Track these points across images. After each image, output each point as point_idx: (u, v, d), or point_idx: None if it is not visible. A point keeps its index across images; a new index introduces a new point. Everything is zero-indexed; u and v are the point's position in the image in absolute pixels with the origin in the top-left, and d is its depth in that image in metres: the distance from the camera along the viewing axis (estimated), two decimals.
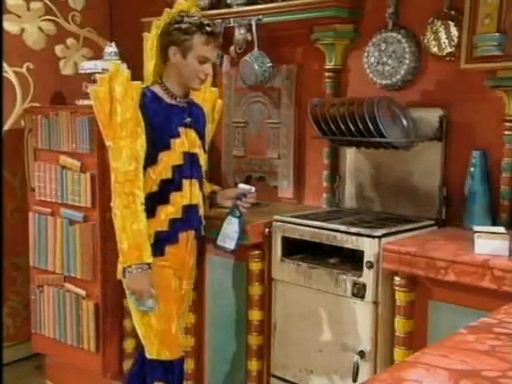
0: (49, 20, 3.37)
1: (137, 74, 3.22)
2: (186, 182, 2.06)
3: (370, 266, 2.02)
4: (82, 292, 2.89)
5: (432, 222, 2.30)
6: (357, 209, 2.56)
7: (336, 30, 2.59)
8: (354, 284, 2.06)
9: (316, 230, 2.20)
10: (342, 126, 2.29)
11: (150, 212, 2.03)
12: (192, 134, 2.11)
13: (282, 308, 2.31)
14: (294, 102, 2.83)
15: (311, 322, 2.20)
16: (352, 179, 2.60)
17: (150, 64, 2.13)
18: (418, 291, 1.98)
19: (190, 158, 2.09)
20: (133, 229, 1.96)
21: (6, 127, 3.23)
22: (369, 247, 2.03)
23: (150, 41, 2.10)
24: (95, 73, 3.01)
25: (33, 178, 3.08)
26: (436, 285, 1.92)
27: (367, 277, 2.03)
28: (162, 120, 2.04)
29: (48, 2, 3.36)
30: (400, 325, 1.98)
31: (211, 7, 2.95)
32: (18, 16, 3.26)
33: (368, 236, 2.05)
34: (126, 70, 2.06)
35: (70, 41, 3.46)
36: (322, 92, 2.67)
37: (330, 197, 2.68)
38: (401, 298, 1.98)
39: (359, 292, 2.05)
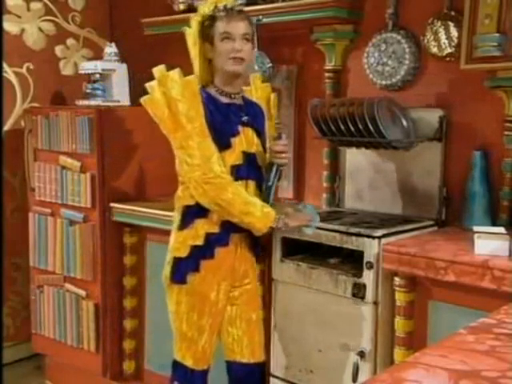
0: (49, 20, 3.37)
1: (138, 74, 3.23)
2: (240, 184, 1.98)
3: (370, 266, 2.02)
4: (82, 292, 2.89)
5: (432, 223, 2.30)
6: (356, 209, 2.56)
7: (336, 30, 2.59)
8: (354, 284, 2.06)
9: (316, 230, 2.20)
10: (342, 127, 2.29)
11: (203, 212, 1.97)
12: (249, 132, 2.04)
13: (282, 308, 2.31)
14: (293, 103, 2.83)
15: (311, 323, 2.20)
16: (352, 179, 2.60)
17: (196, 63, 2.04)
18: (417, 291, 1.98)
19: (248, 158, 2.01)
20: (248, 201, 1.93)
21: (6, 127, 3.23)
22: (369, 247, 2.03)
23: (192, 36, 2.03)
24: (95, 73, 3.02)
25: (33, 178, 3.08)
26: (436, 285, 1.92)
27: (367, 277, 2.03)
28: (221, 119, 1.97)
29: (48, 3, 3.36)
30: (400, 325, 1.98)
31: None
32: (18, 16, 3.26)
33: (368, 236, 2.05)
34: (176, 69, 1.97)
35: (69, 41, 3.47)
36: (322, 92, 2.67)
37: (330, 197, 2.68)
38: (401, 298, 1.98)
39: (359, 292, 2.05)
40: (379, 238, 2.03)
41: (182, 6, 3.04)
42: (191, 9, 3.01)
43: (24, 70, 3.28)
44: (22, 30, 3.28)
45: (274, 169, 2.04)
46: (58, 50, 3.42)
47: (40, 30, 3.34)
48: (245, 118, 2.03)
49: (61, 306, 2.98)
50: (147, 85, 1.97)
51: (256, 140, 2.05)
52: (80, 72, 3.10)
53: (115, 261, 2.85)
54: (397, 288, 1.98)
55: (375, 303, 2.03)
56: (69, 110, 2.96)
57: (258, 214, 1.93)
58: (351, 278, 2.08)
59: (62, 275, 2.97)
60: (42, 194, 3.02)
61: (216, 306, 2.02)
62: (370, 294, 2.03)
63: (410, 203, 2.42)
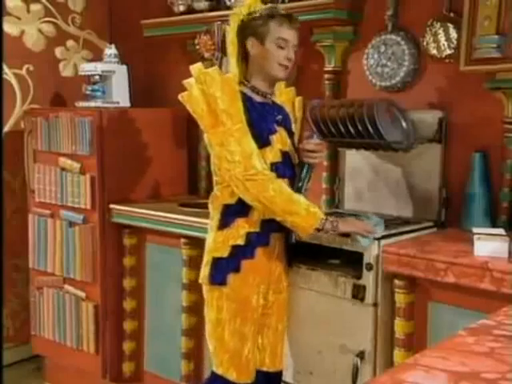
0: (48, 22, 3.38)
1: (138, 75, 3.24)
2: None
3: (370, 267, 2.02)
4: (82, 294, 2.89)
5: (431, 224, 2.30)
6: (356, 210, 2.56)
7: (335, 31, 2.59)
8: (354, 286, 2.06)
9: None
10: (342, 128, 2.29)
11: (244, 211, 1.95)
12: (283, 131, 2.03)
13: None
14: None
15: (311, 324, 2.20)
16: (351, 181, 2.60)
17: (233, 60, 2.02)
18: (417, 293, 1.98)
19: (284, 156, 2.01)
20: (291, 198, 1.87)
21: (5, 129, 3.23)
22: (368, 249, 2.03)
23: (232, 33, 2.01)
24: (95, 75, 3.02)
25: (32, 179, 3.08)
26: (435, 286, 1.92)
27: (367, 279, 2.03)
28: (258, 117, 1.96)
29: (48, 4, 3.37)
30: (400, 326, 1.98)
31: (211, 9, 2.96)
32: (18, 18, 3.27)
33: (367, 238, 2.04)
34: (215, 67, 1.98)
35: (69, 43, 3.47)
36: (322, 94, 2.67)
37: (330, 198, 2.68)
38: (400, 299, 1.98)
39: (359, 294, 2.05)
40: (379, 239, 2.03)
41: (181, 8, 3.04)
42: (191, 10, 3.02)
43: (24, 72, 3.29)
44: (22, 32, 3.28)
45: (305, 169, 2.03)
46: (58, 51, 3.42)
47: (40, 31, 3.35)
48: (279, 117, 2.04)
49: (60, 307, 2.98)
50: (185, 82, 1.95)
51: (288, 140, 2.05)
52: (80, 73, 3.11)
53: (115, 262, 2.85)
54: (397, 289, 1.98)
55: (375, 305, 2.03)
56: (68, 111, 2.96)
57: (303, 213, 1.87)
58: (351, 280, 2.08)
59: (61, 277, 2.96)
60: (42, 196, 3.02)
61: (257, 312, 2.00)
62: (369, 296, 2.02)
63: (410, 204, 2.42)
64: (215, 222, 1.99)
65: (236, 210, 1.95)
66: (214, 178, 2.01)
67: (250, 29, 1.97)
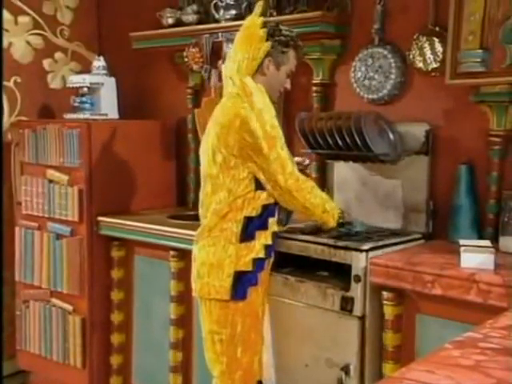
0: (37, 34, 3.37)
1: (126, 87, 3.24)
2: None
3: (358, 279, 2.02)
4: (69, 307, 2.86)
5: (419, 236, 2.31)
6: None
7: (323, 45, 2.61)
8: (342, 298, 2.06)
9: (303, 243, 2.20)
10: (330, 140, 2.31)
11: (264, 224, 1.99)
12: None
13: (269, 322, 2.30)
14: (281, 116, 2.84)
15: (298, 336, 2.19)
16: (340, 193, 2.61)
17: (249, 72, 2.03)
18: (405, 305, 1.98)
19: None
20: (325, 198, 2.08)
21: None
22: (356, 261, 2.04)
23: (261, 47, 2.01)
24: (83, 86, 3.02)
25: (19, 191, 3.06)
26: (423, 298, 1.92)
27: (355, 291, 2.03)
28: None
29: (36, 16, 3.36)
30: (388, 339, 1.98)
31: (199, 22, 2.97)
32: (6, 30, 3.26)
33: (355, 250, 2.05)
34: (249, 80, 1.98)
35: (58, 55, 3.46)
36: (310, 106, 2.69)
37: None
38: (389, 311, 1.98)
39: (347, 306, 2.05)
40: (367, 251, 2.04)
41: (170, 21, 3.05)
42: (179, 23, 3.03)
43: (11, 84, 3.27)
44: (10, 44, 3.27)
45: None
46: (46, 63, 3.41)
47: (28, 43, 3.34)
48: None
49: (47, 321, 2.94)
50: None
51: None
52: (68, 85, 3.10)
53: (103, 274, 2.83)
54: (385, 301, 1.99)
55: (363, 317, 2.03)
56: (56, 123, 2.95)
57: (332, 212, 2.08)
58: (339, 292, 2.07)
59: (48, 290, 2.94)
60: (29, 208, 3.00)
61: (261, 323, 2.04)
62: (358, 308, 2.02)
63: (398, 216, 2.43)
64: (234, 234, 1.97)
65: (257, 223, 1.99)
66: (235, 190, 1.97)
67: (271, 49, 2.01)
